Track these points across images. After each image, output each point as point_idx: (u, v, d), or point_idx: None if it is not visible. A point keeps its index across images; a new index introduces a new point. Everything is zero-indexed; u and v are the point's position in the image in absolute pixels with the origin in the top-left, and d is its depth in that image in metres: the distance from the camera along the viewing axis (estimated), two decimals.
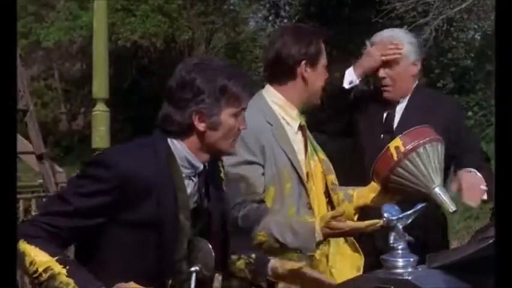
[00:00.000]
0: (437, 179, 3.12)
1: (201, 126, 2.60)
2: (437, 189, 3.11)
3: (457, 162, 3.82)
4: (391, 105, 4.10)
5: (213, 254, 2.88)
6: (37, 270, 2.33)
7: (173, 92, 2.62)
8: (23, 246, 2.33)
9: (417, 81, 4.17)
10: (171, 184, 2.57)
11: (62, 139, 28.10)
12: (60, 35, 23.29)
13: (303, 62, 3.33)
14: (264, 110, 3.33)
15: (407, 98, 4.08)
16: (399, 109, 4.06)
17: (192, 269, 2.90)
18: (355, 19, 17.74)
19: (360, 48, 18.66)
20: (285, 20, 21.39)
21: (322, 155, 3.42)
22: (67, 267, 2.34)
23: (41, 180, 6.86)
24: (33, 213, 7.23)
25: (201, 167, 2.70)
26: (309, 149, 3.35)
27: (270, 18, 21.97)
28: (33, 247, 2.33)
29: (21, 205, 7.07)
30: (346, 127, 4.24)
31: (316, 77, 3.39)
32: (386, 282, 2.48)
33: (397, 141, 3.16)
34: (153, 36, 23.43)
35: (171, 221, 2.59)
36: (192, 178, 2.69)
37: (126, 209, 2.50)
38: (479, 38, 19.17)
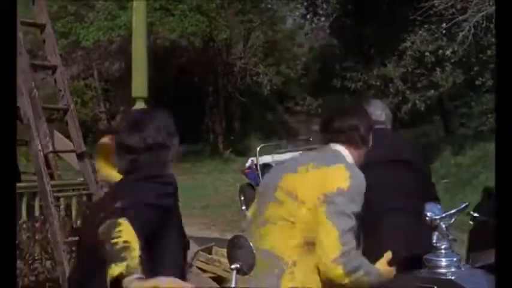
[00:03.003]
0: None
1: None
2: None
3: None
4: None
5: (254, 251, 2.88)
6: (120, 236, 2.61)
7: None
8: (122, 220, 2.66)
9: None
10: None
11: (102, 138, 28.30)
12: (100, 35, 23.48)
13: None
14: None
15: None
16: None
17: (233, 266, 2.91)
18: (393, 16, 17.62)
19: (397, 46, 18.58)
20: (323, 18, 21.31)
21: None
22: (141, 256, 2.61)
23: (82, 179, 6.91)
24: (74, 211, 7.31)
25: None
26: None
27: (308, 16, 21.89)
28: (129, 226, 2.66)
29: (62, 203, 7.14)
30: None
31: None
32: (429, 281, 2.47)
33: None
34: (191, 35, 23.50)
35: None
36: None
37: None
38: None
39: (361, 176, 3.31)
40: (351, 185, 3.25)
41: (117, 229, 2.64)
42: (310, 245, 3.25)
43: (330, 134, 3.47)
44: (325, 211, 3.21)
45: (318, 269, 3.22)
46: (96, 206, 3.20)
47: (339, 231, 3.17)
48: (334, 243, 3.16)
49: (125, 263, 2.54)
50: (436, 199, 4.04)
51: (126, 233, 2.64)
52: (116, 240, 2.61)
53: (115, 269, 2.52)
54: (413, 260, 3.46)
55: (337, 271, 3.14)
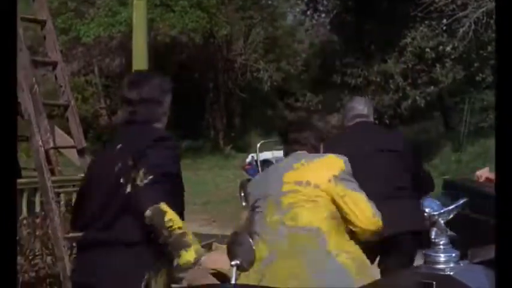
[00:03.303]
0: None
1: None
2: None
3: None
4: None
5: (254, 248, 2.90)
6: (172, 225, 3.15)
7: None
8: (165, 206, 3.18)
9: None
10: None
11: (102, 134, 28.38)
12: (100, 31, 23.50)
13: None
14: None
15: None
16: None
17: (233, 262, 2.92)
18: (394, 13, 17.62)
19: (398, 42, 18.49)
20: (323, 15, 21.29)
21: None
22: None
23: (82, 174, 6.91)
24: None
25: None
26: None
27: (308, 12, 21.89)
28: (172, 211, 3.20)
29: (63, 198, 7.15)
30: None
31: None
32: (428, 277, 2.47)
33: None
34: (191, 31, 23.51)
35: None
36: None
37: None
38: None
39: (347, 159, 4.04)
40: (347, 166, 3.98)
41: (166, 218, 3.17)
42: (333, 217, 3.84)
43: (290, 144, 4.18)
44: (345, 187, 3.88)
45: (358, 228, 3.87)
46: (110, 155, 3.51)
47: (364, 196, 3.90)
48: (367, 205, 3.88)
49: (192, 248, 3.14)
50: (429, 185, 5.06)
51: (175, 219, 3.17)
52: (171, 228, 3.16)
53: (188, 255, 3.14)
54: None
55: (379, 223, 3.86)
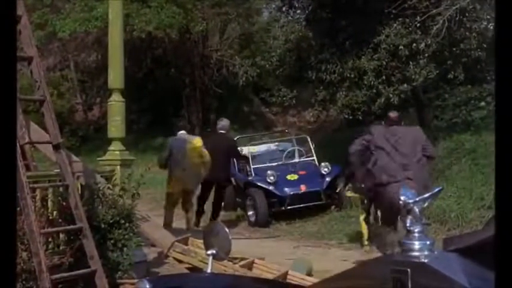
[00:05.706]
0: None
1: None
2: None
3: None
4: None
5: (230, 237, 2.94)
6: None
7: None
8: None
9: None
10: None
11: (78, 129, 28.27)
12: (76, 26, 23.36)
13: None
14: None
15: None
16: None
17: (209, 252, 2.96)
18: (368, 9, 17.69)
19: (372, 39, 18.59)
20: (298, 11, 21.30)
21: None
22: None
23: (58, 170, 6.90)
24: (50, 202, 7.29)
25: None
26: None
27: (284, 8, 21.88)
28: None
29: (38, 194, 7.14)
30: None
31: None
32: (402, 264, 2.50)
33: None
34: (167, 27, 23.45)
35: None
36: None
37: None
38: (492, 28, 18.97)
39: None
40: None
41: None
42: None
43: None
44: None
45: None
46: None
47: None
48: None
49: None
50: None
51: None
52: None
53: None
54: None
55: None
